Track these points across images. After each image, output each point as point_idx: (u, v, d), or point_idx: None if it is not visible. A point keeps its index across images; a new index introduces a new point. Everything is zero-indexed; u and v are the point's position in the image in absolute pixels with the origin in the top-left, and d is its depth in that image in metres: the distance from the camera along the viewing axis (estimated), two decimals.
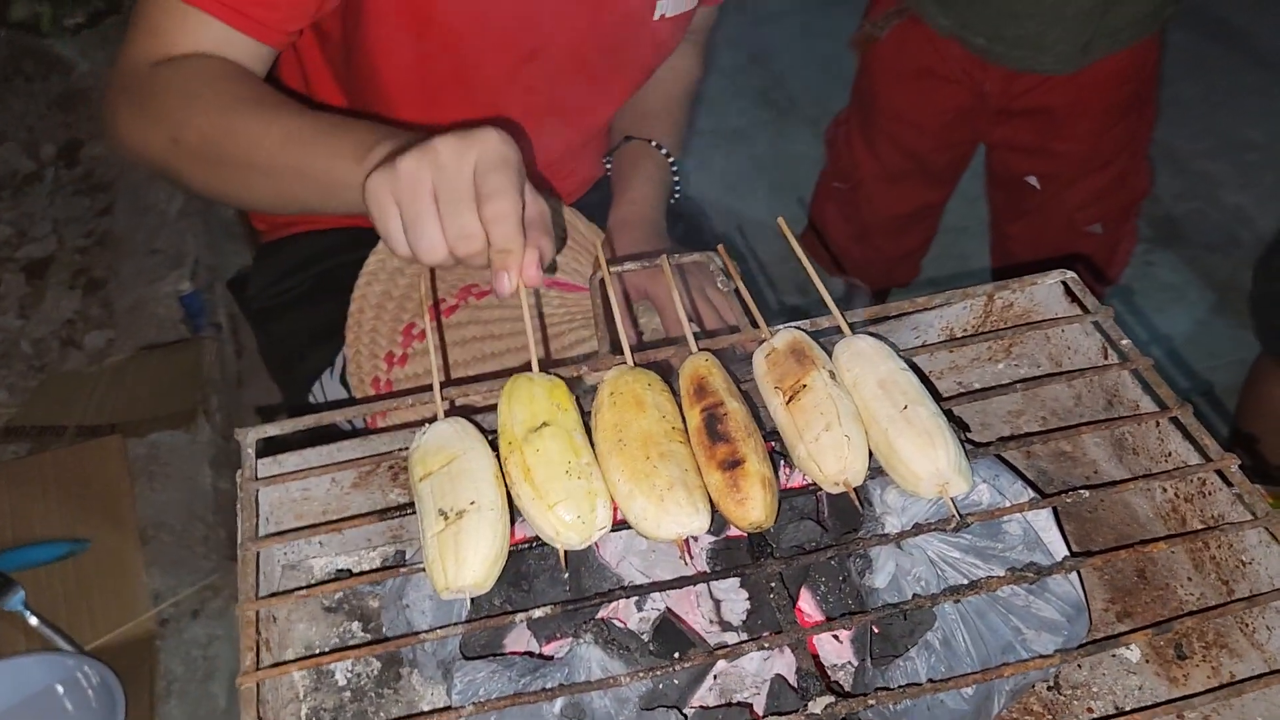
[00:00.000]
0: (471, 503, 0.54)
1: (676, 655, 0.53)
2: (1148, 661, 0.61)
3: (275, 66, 0.92)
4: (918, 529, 0.57)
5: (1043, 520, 0.60)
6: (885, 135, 1.52)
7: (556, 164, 1.11)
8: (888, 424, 0.57)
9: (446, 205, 0.62)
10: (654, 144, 1.12)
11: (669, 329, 0.99)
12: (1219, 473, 0.61)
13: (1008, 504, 0.59)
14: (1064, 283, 0.71)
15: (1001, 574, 0.56)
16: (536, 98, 1.01)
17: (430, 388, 0.62)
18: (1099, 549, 0.66)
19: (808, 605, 0.59)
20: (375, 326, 0.93)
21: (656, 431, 0.57)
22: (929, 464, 0.55)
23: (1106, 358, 0.70)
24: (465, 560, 0.53)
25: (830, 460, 0.56)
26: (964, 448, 0.58)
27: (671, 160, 1.14)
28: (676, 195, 1.17)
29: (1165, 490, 0.66)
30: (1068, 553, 0.59)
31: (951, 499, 0.56)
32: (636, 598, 0.58)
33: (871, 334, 0.64)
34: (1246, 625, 0.61)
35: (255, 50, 0.84)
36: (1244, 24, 2.99)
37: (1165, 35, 1.43)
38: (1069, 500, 0.57)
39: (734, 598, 0.59)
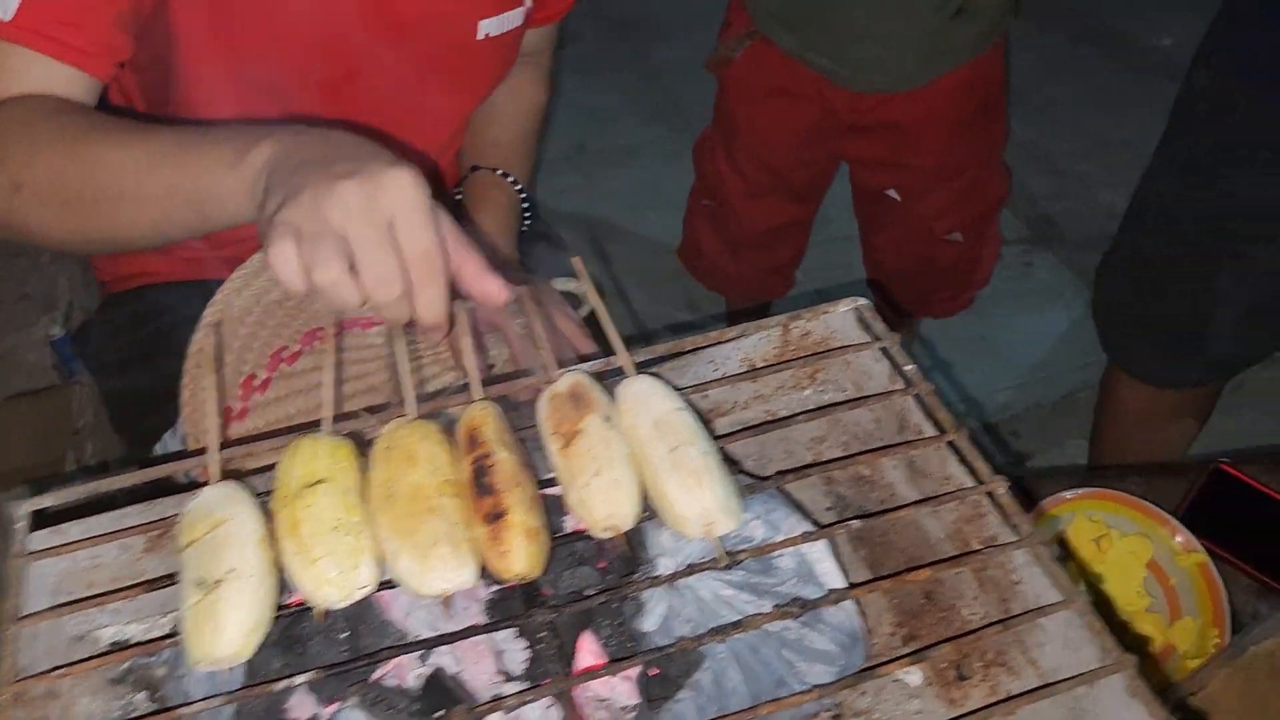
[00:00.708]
0: (231, 570, 0.54)
1: (441, 713, 0.53)
2: (929, 685, 0.63)
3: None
4: (690, 570, 0.57)
5: (818, 552, 0.61)
6: (746, 153, 1.54)
7: None
8: (658, 465, 0.57)
9: (363, 249, 0.58)
10: (500, 173, 1.12)
11: (518, 361, 0.99)
12: (990, 495, 0.63)
13: (780, 538, 0.59)
14: (856, 310, 0.73)
15: (770, 609, 0.56)
16: (361, 121, 1.00)
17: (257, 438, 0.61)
18: (888, 573, 0.67)
19: (591, 651, 0.60)
20: (212, 381, 0.91)
21: (427, 486, 0.57)
22: (695, 505, 0.56)
23: (893, 383, 0.71)
24: (222, 630, 0.52)
25: (599, 505, 0.57)
26: (738, 484, 0.59)
27: (520, 188, 1.14)
28: (527, 223, 1.17)
29: (949, 513, 0.68)
30: (843, 583, 0.61)
31: (721, 538, 0.57)
32: (421, 653, 0.58)
33: (654, 373, 0.65)
34: (1023, 643, 0.63)
35: (84, 83, 0.80)
36: (1119, 26, 3.09)
37: (1010, 45, 1.47)
38: (840, 532, 0.58)
39: (513, 648, 0.59)
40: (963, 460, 0.65)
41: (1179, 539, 1.04)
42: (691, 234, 1.75)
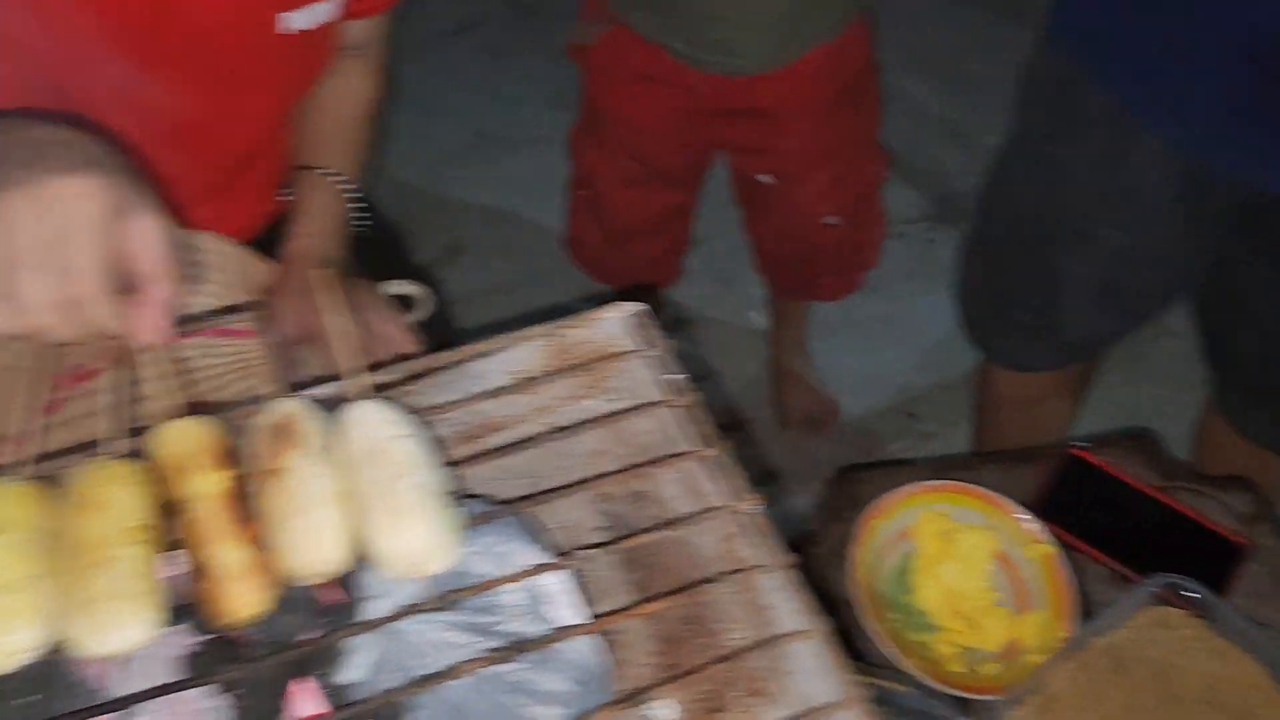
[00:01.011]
0: None
1: None
2: (688, 716, 0.59)
3: None
4: (403, 612, 0.53)
5: (554, 583, 0.57)
6: (615, 142, 1.50)
7: (208, 196, 1.05)
8: (365, 502, 0.53)
9: (22, 270, 0.55)
10: (324, 171, 1.07)
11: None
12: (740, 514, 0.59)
13: (506, 573, 0.56)
14: (630, 315, 0.69)
15: (493, 649, 0.53)
16: (158, 120, 0.94)
17: None
18: (628, 604, 0.63)
19: (307, 702, 0.55)
20: None
21: (107, 534, 0.52)
22: (400, 543, 0.52)
23: (665, 394, 0.68)
24: None
25: (301, 550, 0.52)
26: (465, 514, 0.55)
27: (348, 186, 1.09)
28: (361, 224, 1.12)
29: (716, 532, 0.64)
30: (581, 616, 0.57)
31: (439, 576, 0.53)
32: (114, 715, 0.54)
33: (387, 395, 0.60)
34: (778, 669, 0.59)
35: None
36: (1040, 1, 3.07)
37: (875, 25, 1.43)
38: (577, 561, 0.54)
39: (215, 705, 0.54)
40: (720, 475, 0.61)
41: (1027, 530, 1.01)
42: (573, 225, 1.71)
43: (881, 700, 0.91)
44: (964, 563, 1.01)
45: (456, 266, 2.21)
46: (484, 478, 0.69)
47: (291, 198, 1.08)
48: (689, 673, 0.53)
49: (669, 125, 1.44)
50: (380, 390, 0.66)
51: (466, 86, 2.62)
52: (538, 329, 0.68)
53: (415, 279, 1.17)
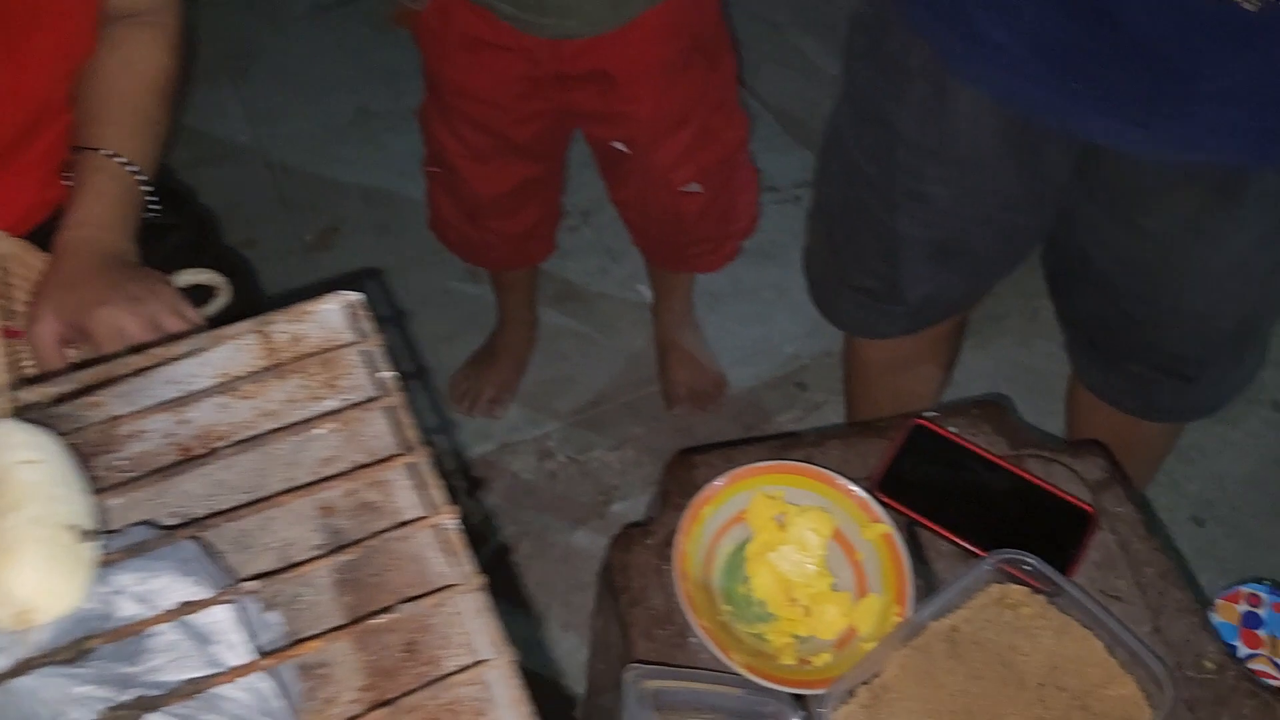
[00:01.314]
0: None
1: None
2: None
3: None
4: (19, 668, 0.46)
5: (218, 620, 0.50)
6: (457, 114, 1.41)
7: None
8: None
9: None
10: (109, 154, 0.98)
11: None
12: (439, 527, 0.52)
13: (152, 613, 0.48)
14: (346, 306, 0.61)
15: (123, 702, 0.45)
16: None
17: None
18: (309, 635, 0.56)
19: None
20: None
21: None
22: (1, 588, 0.45)
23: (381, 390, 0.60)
24: None
25: None
26: (98, 549, 0.47)
27: (134, 169, 1.00)
28: (151, 210, 1.03)
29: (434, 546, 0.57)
30: (246, 655, 0.50)
31: (61, 622, 0.45)
32: None
33: (50, 411, 0.53)
34: (488, 699, 0.52)
35: None
36: None
37: None
38: (236, 593, 0.47)
39: None
40: (418, 483, 0.54)
41: (865, 509, 0.96)
42: (432, 205, 1.62)
43: (715, 706, 0.85)
44: (799, 547, 0.96)
45: (333, 249, 2.12)
46: (197, 495, 0.62)
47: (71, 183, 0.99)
48: (382, 704, 0.46)
49: (510, 94, 1.36)
50: (59, 402, 0.58)
51: (347, 61, 2.51)
52: (246, 324, 0.61)
53: (227, 266, 1.09)
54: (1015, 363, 1.86)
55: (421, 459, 0.53)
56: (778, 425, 1.80)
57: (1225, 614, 1.04)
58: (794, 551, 0.95)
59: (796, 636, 0.93)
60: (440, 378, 1.86)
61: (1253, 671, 1.01)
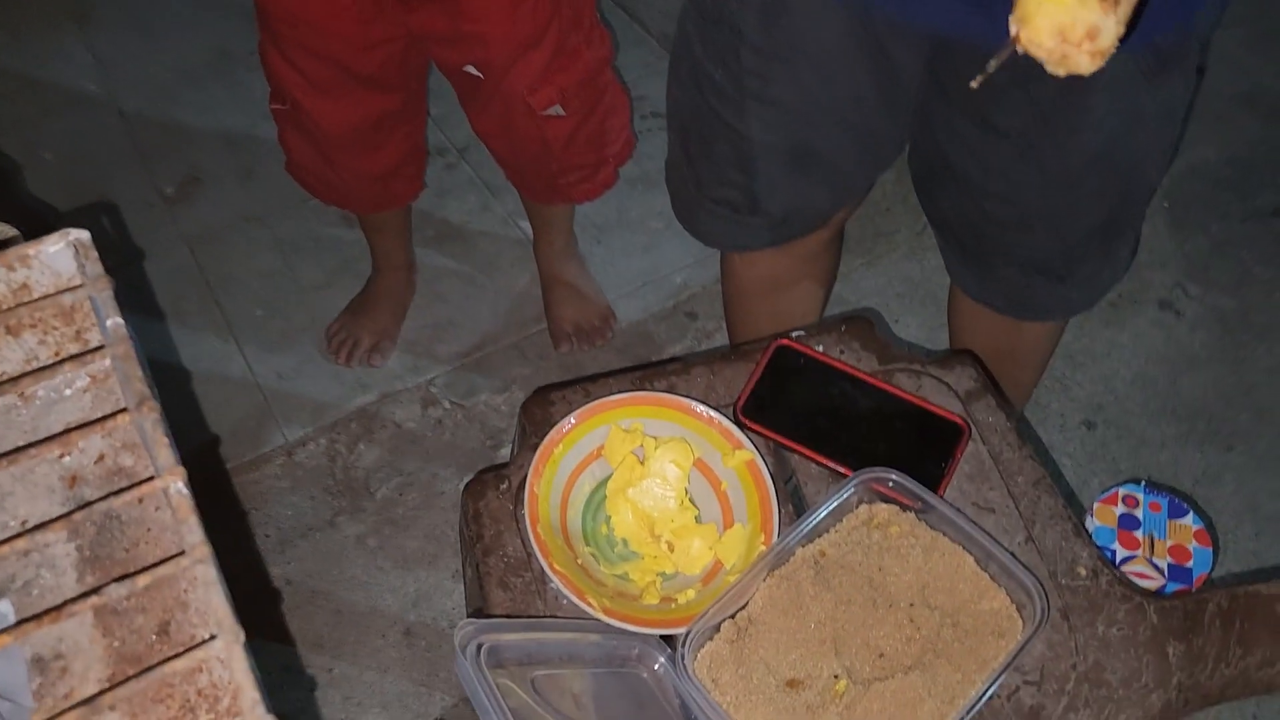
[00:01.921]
0: None
1: None
2: None
3: None
4: None
5: None
6: (292, 43, 1.31)
7: None
8: None
9: None
10: None
11: None
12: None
13: None
14: (70, 244, 0.53)
15: None
16: None
17: None
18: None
19: None
20: None
21: None
22: None
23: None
24: None
25: None
26: None
27: None
28: None
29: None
30: None
31: None
32: None
33: None
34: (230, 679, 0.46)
35: None
36: None
37: None
38: None
39: None
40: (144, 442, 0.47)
41: (726, 436, 0.91)
42: (285, 146, 1.52)
43: (569, 655, 0.80)
44: (659, 481, 0.91)
45: (195, 201, 1.99)
46: None
47: None
48: (110, 689, 0.40)
49: (348, 19, 1.26)
50: None
51: (203, 1, 2.35)
52: None
53: (26, 218, 0.99)
54: (906, 278, 1.83)
55: (149, 415, 0.46)
56: (669, 356, 1.75)
57: (1103, 517, 1.02)
58: (655, 486, 0.90)
59: (662, 574, 0.88)
60: (318, 329, 1.77)
61: (1129, 574, 0.99)
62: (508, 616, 0.82)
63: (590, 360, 1.73)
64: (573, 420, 0.90)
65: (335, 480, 1.58)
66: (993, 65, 0.60)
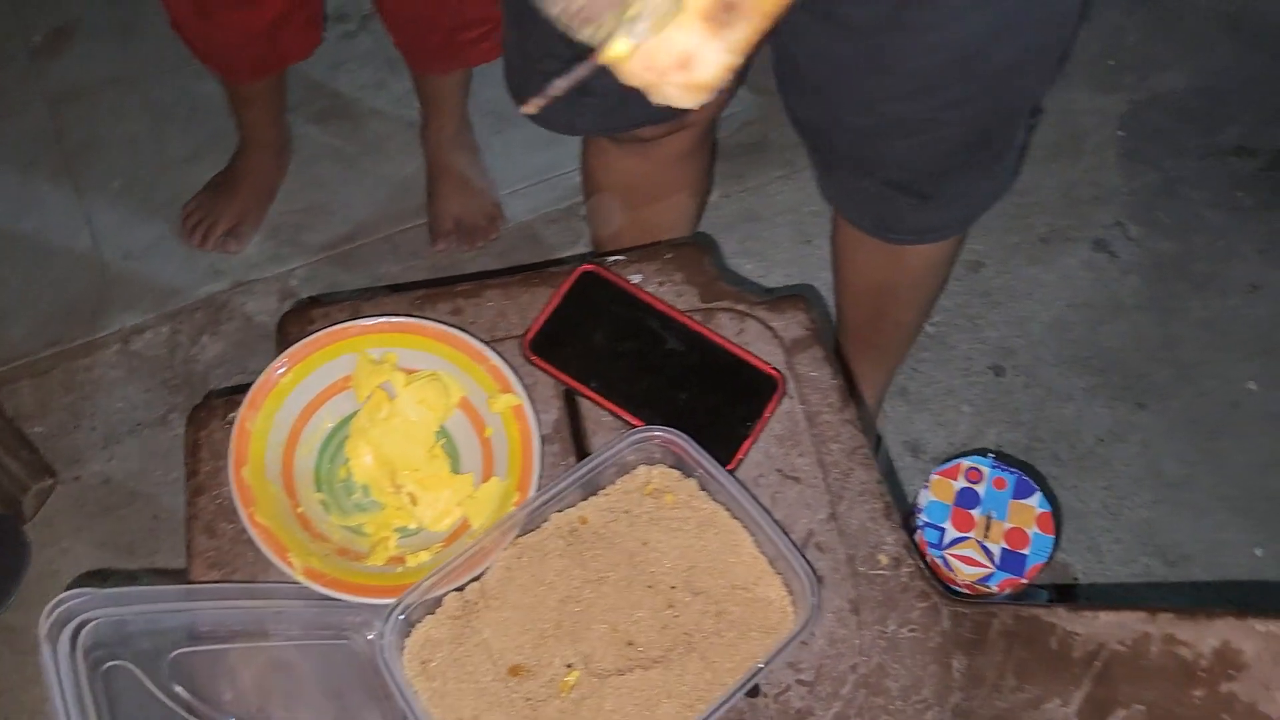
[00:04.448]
0: None
1: None
2: None
3: None
4: None
5: None
6: None
7: None
8: None
9: None
10: None
11: None
12: None
13: None
14: None
15: None
16: None
17: None
18: None
19: None
20: None
21: None
22: None
23: None
24: None
25: None
26: None
27: None
28: None
29: None
30: None
31: None
32: None
33: None
34: None
35: None
36: None
37: None
38: None
39: None
40: None
41: (495, 376, 0.78)
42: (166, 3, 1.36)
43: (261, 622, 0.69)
44: (410, 421, 0.78)
45: (65, 56, 1.82)
46: None
47: None
48: None
49: None
50: None
51: None
52: None
53: None
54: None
55: None
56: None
57: (939, 491, 0.90)
58: (402, 427, 0.78)
59: (402, 529, 0.77)
60: (177, 206, 1.62)
61: (955, 558, 0.88)
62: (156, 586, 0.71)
63: (468, 263, 1.59)
64: (310, 345, 0.77)
65: (173, 373, 1.46)
66: (560, 87, 0.46)
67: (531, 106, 0.50)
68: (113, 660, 0.56)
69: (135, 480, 1.37)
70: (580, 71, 0.45)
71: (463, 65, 1.50)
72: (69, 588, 0.53)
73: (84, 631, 0.55)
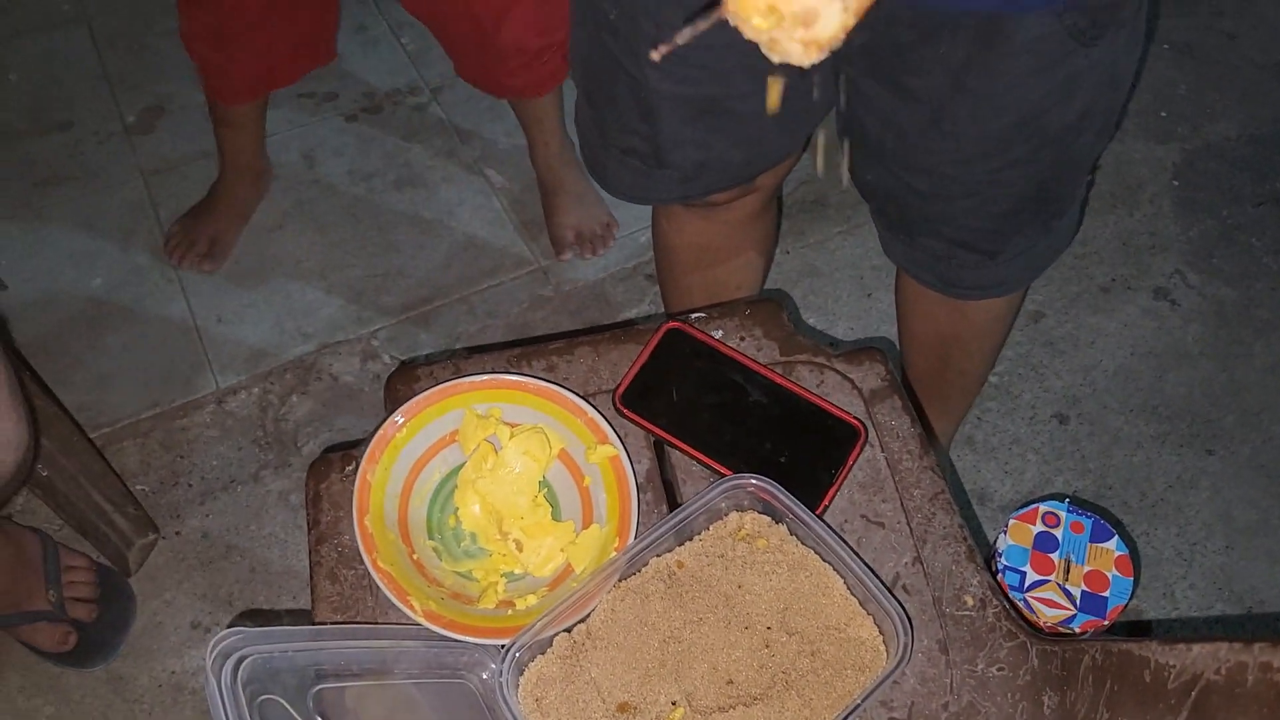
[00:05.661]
0: None
1: None
2: None
3: None
4: None
5: None
6: None
7: None
8: None
9: None
10: None
11: None
12: None
13: None
14: None
15: None
16: None
17: None
18: None
19: None
20: None
21: None
22: None
23: None
24: None
25: None
26: None
27: None
28: None
29: None
30: None
31: None
32: None
33: None
34: None
35: None
36: None
37: None
38: None
39: None
40: None
41: (592, 429, 0.83)
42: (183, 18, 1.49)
43: (378, 665, 0.74)
44: (510, 477, 0.83)
45: (157, 132, 1.93)
46: None
47: None
48: None
49: None
50: None
51: None
52: None
53: None
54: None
55: None
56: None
57: (1018, 535, 0.93)
58: (507, 478, 0.83)
59: (509, 575, 0.81)
60: (265, 273, 1.70)
61: (1037, 600, 0.91)
62: (323, 623, 0.76)
63: (542, 322, 1.65)
64: (424, 401, 0.83)
65: (265, 432, 1.53)
66: (685, 36, 0.50)
67: (657, 55, 0.54)
68: (265, 695, 0.61)
69: (231, 534, 1.43)
70: (702, 24, 0.49)
71: (508, 96, 1.56)
72: (223, 630, 0.58)
73: (242, 666, 0.60)
